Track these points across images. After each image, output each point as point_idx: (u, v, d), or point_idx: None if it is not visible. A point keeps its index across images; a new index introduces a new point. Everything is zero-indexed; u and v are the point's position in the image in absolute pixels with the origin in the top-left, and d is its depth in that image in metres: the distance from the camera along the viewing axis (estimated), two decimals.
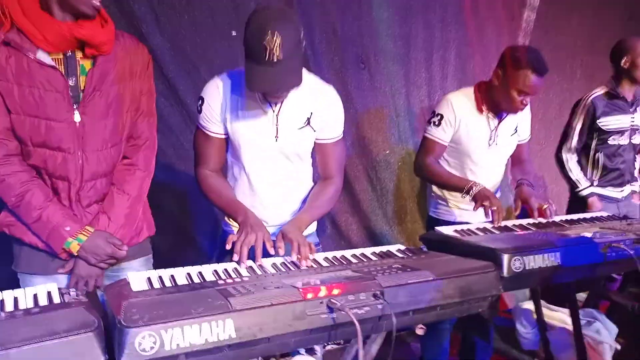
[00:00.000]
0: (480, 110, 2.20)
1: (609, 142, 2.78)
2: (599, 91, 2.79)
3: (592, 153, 2.81)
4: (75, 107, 1.43)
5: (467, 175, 2.26)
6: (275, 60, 1.42)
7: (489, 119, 2.21)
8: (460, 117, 2.19)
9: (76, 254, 1.46)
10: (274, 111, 1.66)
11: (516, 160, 2.41)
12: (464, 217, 2.29)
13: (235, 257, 1.43)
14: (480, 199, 1.97)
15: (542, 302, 2.01)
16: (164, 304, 1.08)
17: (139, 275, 1.30)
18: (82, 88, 1.44)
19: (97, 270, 1.50)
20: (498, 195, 2.39)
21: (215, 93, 1.66)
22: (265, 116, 1.66)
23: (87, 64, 1.45)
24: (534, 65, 2.01)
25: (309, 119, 1.70)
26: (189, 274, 1.34)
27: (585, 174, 2.80)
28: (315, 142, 1.77)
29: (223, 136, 1.72)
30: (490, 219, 1.94)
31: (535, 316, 2.03)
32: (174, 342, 0.99)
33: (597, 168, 2.80)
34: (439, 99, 2.32)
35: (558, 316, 1.98)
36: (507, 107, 2.15)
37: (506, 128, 2.25)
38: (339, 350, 1.48)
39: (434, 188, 2.39)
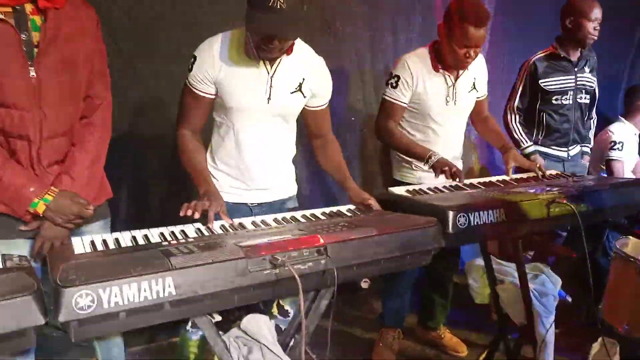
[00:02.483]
0: (436, 69, 2.21)
1: (552, 102, 2.82)
2: (542, 53, 2.83)
3: (536, 113, 2.87)
4: (29, 63, 1.39)
5: (429, 135, 2.29)
6: (278, 7, 1.45)
7: (446, 77, 2.23)
8: (417, 76, 2.20)
9: (42, 215, 1.43)
10: (268, 73, 1.69)
11: (478, 116, 2.45)
12: (428, 179, 2.34)
13: (183, 212, 1.43)
14: (439, 166, 2.03)
15: (492, 258, 2.09)
16: (104, 265, 1.09)
17: (81, 239, 1.30)
18: (34, 43, 1.39)
19: (64, 231, 1.47)
20: (460, 153, 2.45)
21: (209, 53, 1.67)
22: (259, 78, 1.69)
23: (37, 19, 1.41)
24: (471, 16, 2.01)
25: (300, 85, 1.75)
26: (134, 237, 1.34)
27: (531, 133, 2.87)
28: (306, 109, 1.85)
29: (212, 96, 1.73)
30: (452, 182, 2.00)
31: (485, 271, 2.10)
32: (112, 301, 1.00)
33: (542, 128, 2.87)
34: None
35: (507, 270, 2.06)
36: (452, 62, 2.16)
37: (463, 85, 2.27)
38: None
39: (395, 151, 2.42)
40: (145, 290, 1.03)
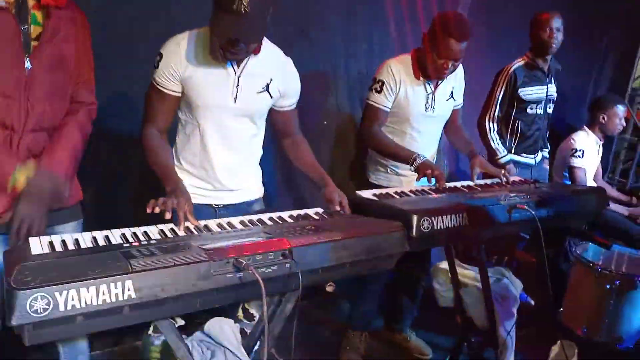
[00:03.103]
0: (417, 77, 2.25)
1: (527, 111, 2.92)
2: (520, 62, 2.91)
3: (511, 121, 2.95)
4: (26, 54, 1.42)
5: (407, 141, 2.33)
6: (242, 11, 1.46)
7: (426, 85, 2.27)
8: (400, 82, 2.23)
9: (21, 189, 1.42)
10: (235, 72, 1.68)
11: (450, 125, 2.49)
12: (402, 182, 2.37)
13: (150, 209, 1.41)
14: (424, 168, 2.05)
15: (456, 262, 2.13)
16: (61, 266, 1.05)
17: (41, 239, 1.26)
18: (32, 37, 1.43)
19: (41, 210, 1.44)
20: (434, 158, 2.49)
21: (176, 50, 1.65)
22: (226, 77, 1.68)
23: (38, 14, 1.44)
24: (454, 30, 2.06)
25: (268, 85, 1.76)
26: (94, 238, 1.31)
27: (504, 142, 2.95)
28: (275, 110, 1.86)
29: (178, 94, 1.71)
30: (434, 185, 2.04)
31: (450, 275, 2.14)
32: (69, 304, 0.98)
33: (515, 136, 2.95)
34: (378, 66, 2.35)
35: (470, 274, 2.11)
36: (433, 72, 2.20)
37: (442, 93, 2.32)
38: None
39: (373, 155, 2.44)
40: (103, 294, 1.01)
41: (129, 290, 1.03)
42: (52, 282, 0.97)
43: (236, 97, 1.71)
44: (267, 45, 1.74)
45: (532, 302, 3.40)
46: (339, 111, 3.27)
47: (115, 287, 1.02)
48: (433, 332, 2.86)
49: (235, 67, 1.69)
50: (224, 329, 1.48)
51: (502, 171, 2.28)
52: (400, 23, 3.35)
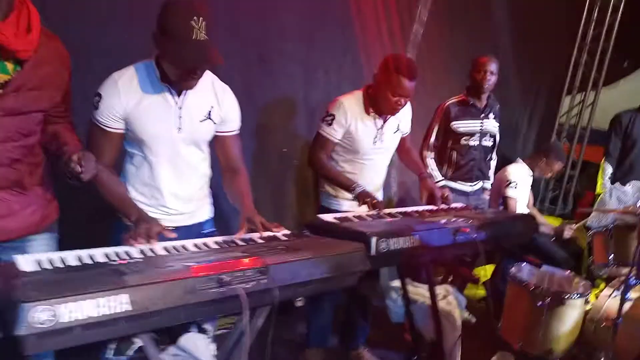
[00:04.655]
0: (367, 112, 2.46)
1: (461, 142, 3.24)
2: (455, 99, 3.25)
3: (448, 151, 3.25)
4: None
5: (357, 168, 2.53)
6: (201, 39, 1.56)
7: (375, 120, 2.48)
8: (351, 118, 2.43)
9: None
10: (177, 103, 1.76)
11: (401, 149, 2.73)
12: (353, 207, 2.54)
13: (132, 244, 1.49)
14: (362, 197, 2.27)
15: (407, 280, 2.32)
16: (59, 281, 1.14)
17: (27, 257, 1.33)
18: None
19: None
20: (382, 184, 2.69)
21: (116, 90, 1.70)
22: (168, 109, 1.75)
23: (8, 65, 1.45)
24: (405, 71, 2.31)
25: (209, 113, 1.84)
26: (79, 256, 1.39)
27: (441, 169, 3.24)
28: (217, 137, 1.93)
29: (121, 131, 1.76)
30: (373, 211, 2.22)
31: (401, 292, 2.33)
32: (71, 316, 1.06)
33: (451, 164, 3.25)
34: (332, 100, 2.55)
35: (420, 291, 2.29)
36: (384, 108, 2.42)
37: (390, 127, 2.54)
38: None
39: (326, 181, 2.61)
40: (102, 306, 1.10)
41: (125, 302, 1.13)
42: (55, 295, 1.06)
43: (180, 127, 1.78)
44: (206, 74, 1.80)
45: (474, 320, 3.67)
46: (297, 138, 3.42)
47: (113, 300, 1.12)
48: (384, 348, 3.03)
49: (176, 98, 1.75)
50: (197, 344, 1.57)
51: (445, 194, 2.52)
52: (355, 52, 3.58)
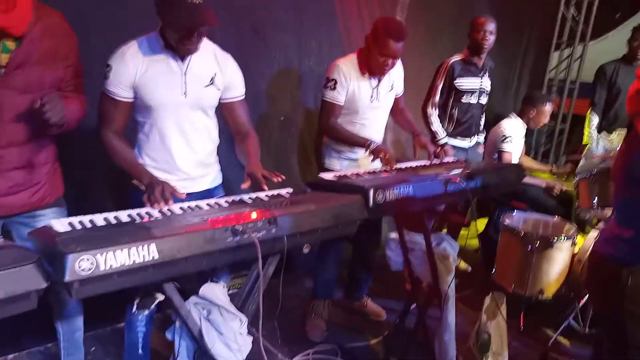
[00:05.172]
0: (363, 73, 2.59)
1: (462, 100, 3.35)
2: (457, 57, 3.34)
3: (449, 109, 3.36)
4: None
5: (357, 128, 2.66)
6: (196, 2, 1.67)
7: (370, 80, 2.61)
8: (350, 79, 2.56)
9: None
10: (181, 70, 1.88)
11: (395, 109, 2.85)
12: (352, 166, 2.70)
13: (157, 207, 1.61)
14: (377, 152, 2.40)
15: (404, 230, 2.48)
16: (94, 237, 1.29)
17: (61, 221, 1.47)
18: (2, 64, 1.51)
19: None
20: (381, 142, 2.81)
21: (123, 60, 1.82)
22: (174, 75, 1.87)
23: (8, 42, 1.51)
24: (393, 32, 2.42)
25: (213, 79, 1.96)
26: (106, 218, 1.53)
27: (443, 126, 3.36)
28: (225, 104, 2.05)
29: (131, 100, 1.89)
30: (385, 167, 2.36)
31: (399, 242, 2.49)
32: (107, 264, 1.22)
33: (452, 121, 3.38)
34: (328, 66, 2.66)
35: (416, 240, 2.45)
36: (375, 69, 2.55)
37: (384, 87, 2.67)
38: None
39: (330, 143, 2.74)
40: (134, 255, 1.26)
41: (153, 252, 1.29)
42: (94, 246, 1.21)
43: (185, 92, 1.90)
44: (205, 42, 1.91)
45: (469, 269, 3.87)
46: (293, 106, 3.53)
47: (143, 250, 1.27)
48: (386, 297, 3.24)
49: (181, 64, 1.87)
50: (216, 292, 1.74)
51: (439, 149, 2.65)
52: (347, 21, 3.66)
